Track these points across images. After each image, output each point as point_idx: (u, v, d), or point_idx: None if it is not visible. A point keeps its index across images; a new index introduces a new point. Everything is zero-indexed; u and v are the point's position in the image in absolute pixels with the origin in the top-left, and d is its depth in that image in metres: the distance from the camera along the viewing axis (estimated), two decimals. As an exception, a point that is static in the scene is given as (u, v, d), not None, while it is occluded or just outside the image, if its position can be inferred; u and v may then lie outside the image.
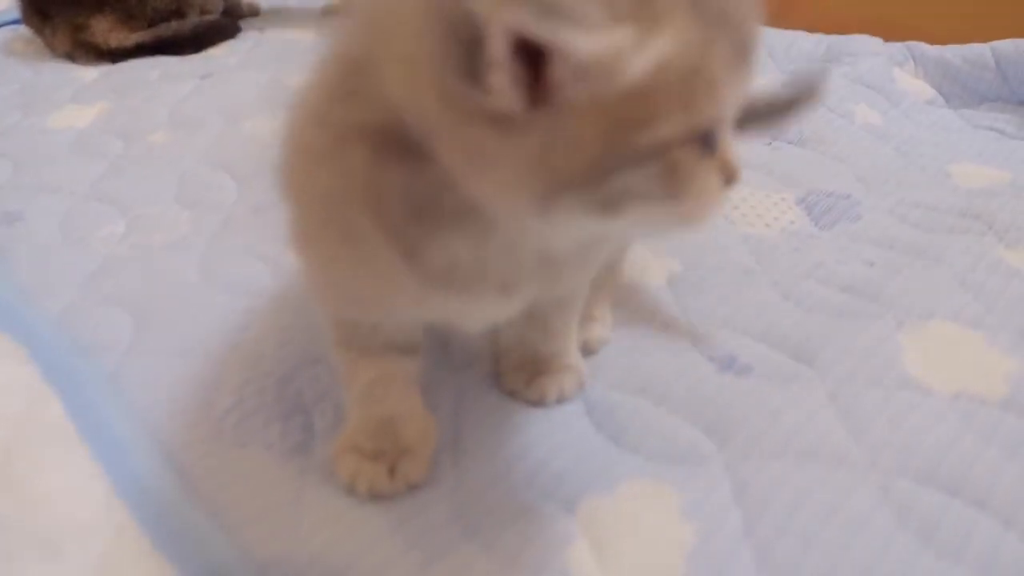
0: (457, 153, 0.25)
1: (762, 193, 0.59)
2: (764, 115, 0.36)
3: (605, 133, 0.23)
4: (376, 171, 0.28)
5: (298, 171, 0.32)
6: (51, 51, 0.84)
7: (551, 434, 0.37)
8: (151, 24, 0.82)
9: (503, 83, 0.23)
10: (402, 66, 0.26)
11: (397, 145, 0.27)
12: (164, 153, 0.63)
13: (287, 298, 0.46)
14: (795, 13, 0.92)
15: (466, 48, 0.23)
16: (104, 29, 0.80)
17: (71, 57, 0.82)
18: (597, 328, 0.43)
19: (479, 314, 0.33)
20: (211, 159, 0.62)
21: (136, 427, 0.37)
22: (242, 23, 0.94)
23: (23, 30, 0.86)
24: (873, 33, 0.89)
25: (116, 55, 0.82)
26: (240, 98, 0.72)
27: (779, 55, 0.89)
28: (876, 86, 0.78)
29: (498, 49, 0.22)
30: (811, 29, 0.92)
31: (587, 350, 0.42)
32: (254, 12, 0.98)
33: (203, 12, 0.87)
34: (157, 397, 0.39)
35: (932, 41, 0.84)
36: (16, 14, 0.87)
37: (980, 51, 0.79)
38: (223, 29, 0.88)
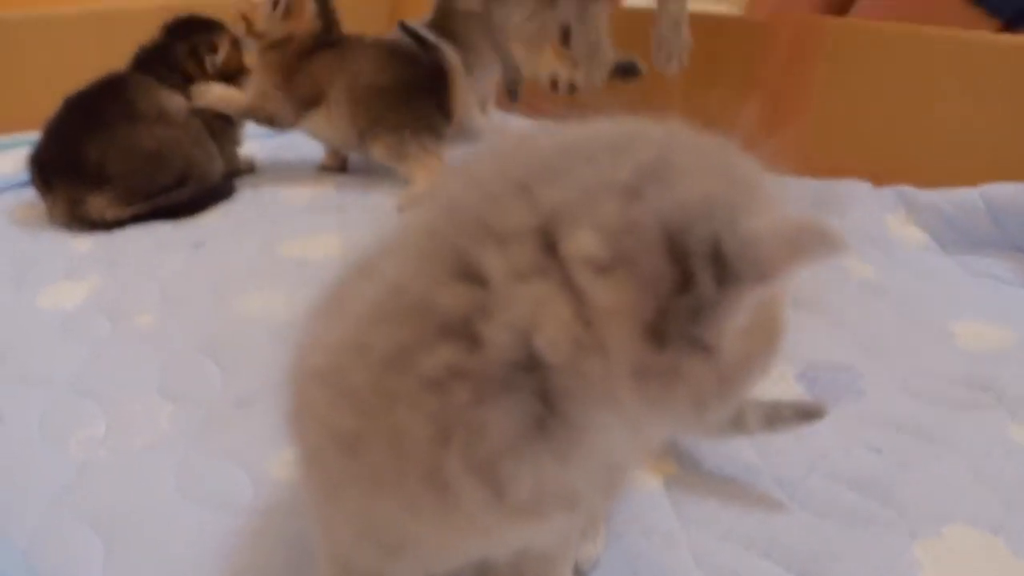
0: (629, 382, 0.24)
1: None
2: (767, 418, 0.37)
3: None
4: (481, 410, 0.25)
5: (345, 396, 0.28)
6: (50, 218, 0.85)
7: None
8: (150, 197, 0.83)
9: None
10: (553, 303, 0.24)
11: (505, 378, 0.25)
12: (151, 336, 0.63)
13: (270, 516, 0.44)
14: (782, 155, 0.93)
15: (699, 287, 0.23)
16: (101, 206, 0.81)
17: (67, 226, 0.83)
18: (588, 547, 0.41)
19: (539, 537, 0.31)
20: (197, 342, 0.61)
21: None
22: (237, 179, 0.95)
23: (30, 193, 0.87)
24: (861, 175, 0.89)
25: (112, 224, 0.82)
26: (231, 270, 0.72)
27: (771, 201, 0.89)
28: (868, 236, 0.78)
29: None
30: (799, 172, 0.93)
31: (575, 571, 0.40)
32: (250, 169, 0.99)
33: (203, 179, 0.88)
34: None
35: (923, 180, 0.85)
36: (26, 176, 0.88)
37: (970, 196, 0.79)
38: (220, 192, 0.89)
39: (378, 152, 0.95)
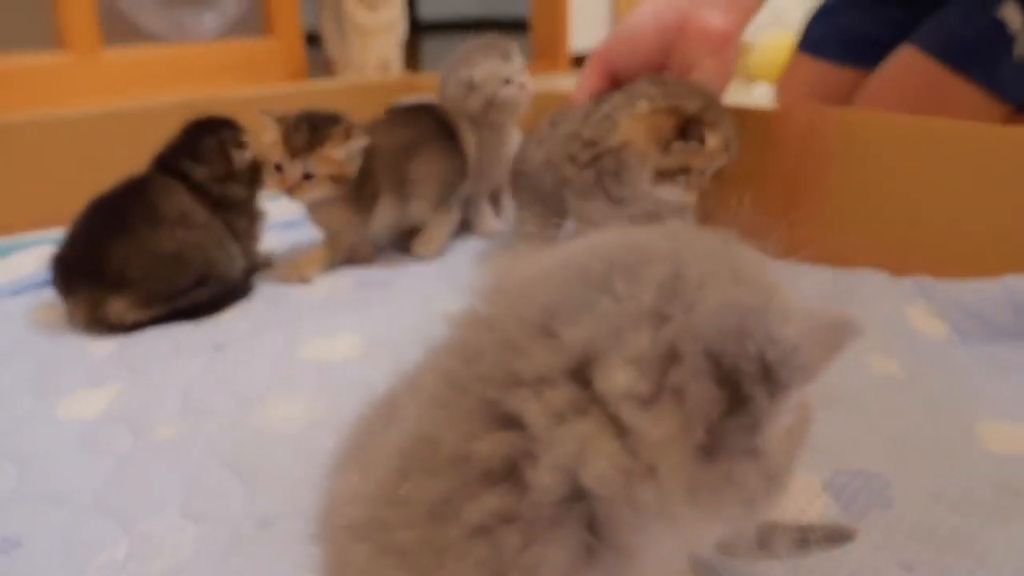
0: (681, 498, 0.25)
1: (786, 479, 0.56)
2: (797, 542, 0.36)
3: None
4: (531, 550, 0.25)
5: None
6: (70, 320, 0.85)
7: None
8: (170, 299, 0.84)
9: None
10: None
11: (553, 515, 0.25)
12: (172, 449, 0.62)
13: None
14: (802, 244, 0.94)
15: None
16: (121, 309, 0.82)
17: (87, 329, 0.83)
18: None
19: None
20: (219, 456, 0.61)
21: None
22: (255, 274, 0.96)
23: (50, 293, 0.88)
24: (879, 265, 0.90)
25: (131, 327, 0.83)
26: (253, 375, 0.72)
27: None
28: (891, 329, 0.77)
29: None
30: (816, 260, 0.93)
31: None
32: (268, 263, 1.00)
33: (223, 279, 0.89)
34: None
35: (942, 269, 0.85)
36: (47, 276, 0.89)
37: (992, 288, 0.79)
38: (238, 291, 0.90)
39: (420, 208, 1.01)
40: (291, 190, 0.90)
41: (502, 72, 1.02)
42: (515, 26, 4.86)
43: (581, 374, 0.25)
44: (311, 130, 0.89)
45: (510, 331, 0.26)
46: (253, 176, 0.94)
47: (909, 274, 0.86)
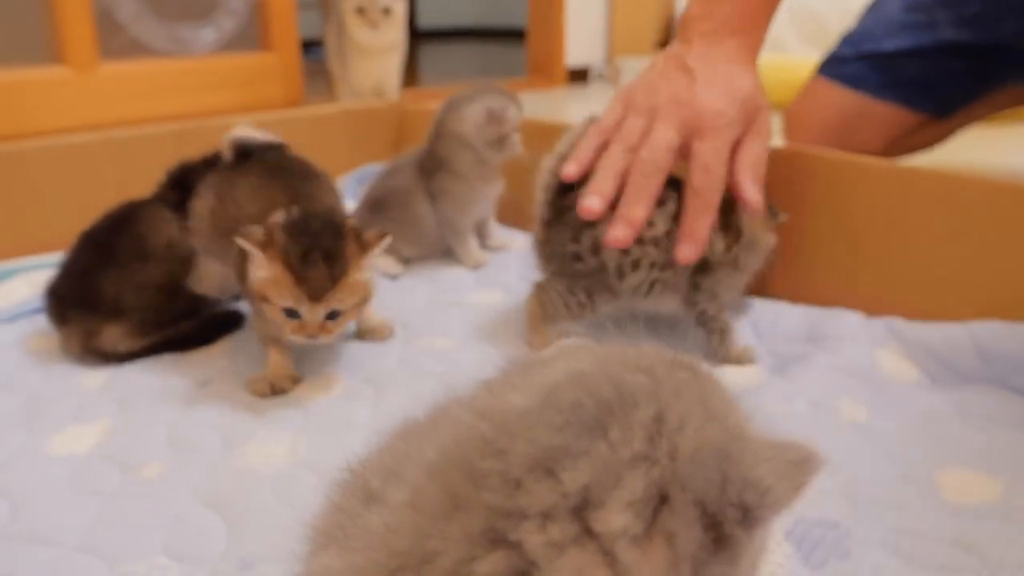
0: None
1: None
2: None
3: None
4: None
5: None
6: (63, 350, 0.87)
7: None
8: (162, 326, 0.86)
9: None
10: None
11: None
12: (157, 487, 0.64)
13: None
14: (779, 282, 0.96)
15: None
16: (115, 337, 0.84)
17: (80, 358, 0.85)
18: None
19: None
20: (202, 496, 0.63)
21: None
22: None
23: (43, 321, 0.90)
24: (855, 304, 0.92)
25: (124, 357, 0.85)
26: (235, 413, 0.74)
27: (764, 328, 0.92)
28: (860, 375, 0.80)
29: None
30: (794, 298, 0.96)
31: None
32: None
33: (214, 306, 0.91)
34: None
35: (915, 311, 0.87)
36: (40, 304, 0.91)
37: (958, 332, 0.81)
38: (229, 321, 0.92)
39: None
40: (313, 336, 0.72)
41: (517, 118, 1.09)
42: (512, 35, 4.90)
43: (580, 512, 0.27)
44: (327, 261, 0.69)
45: (514, 467, 0.29)
46: None
47: (882, 315, 0.88)
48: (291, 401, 0.77)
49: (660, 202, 0.81)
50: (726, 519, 0.28)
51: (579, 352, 0.36)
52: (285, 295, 0.70)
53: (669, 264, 0.82)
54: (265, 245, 0.69)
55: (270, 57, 2.68)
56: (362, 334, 0.89)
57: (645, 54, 3.60)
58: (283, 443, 0.70)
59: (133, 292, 0.87)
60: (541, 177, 0.86)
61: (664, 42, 3.66)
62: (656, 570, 0.27)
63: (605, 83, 3.63)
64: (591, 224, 0.81)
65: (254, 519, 0.61)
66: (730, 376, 0.82)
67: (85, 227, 0.93)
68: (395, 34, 2.24)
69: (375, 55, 2.25)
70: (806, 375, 0.79)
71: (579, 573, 0.27)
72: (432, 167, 1.10)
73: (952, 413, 0.75)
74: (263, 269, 0.70)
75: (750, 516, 0.28)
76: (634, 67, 3.53)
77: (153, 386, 0.80)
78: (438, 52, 5.15)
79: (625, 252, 0.81)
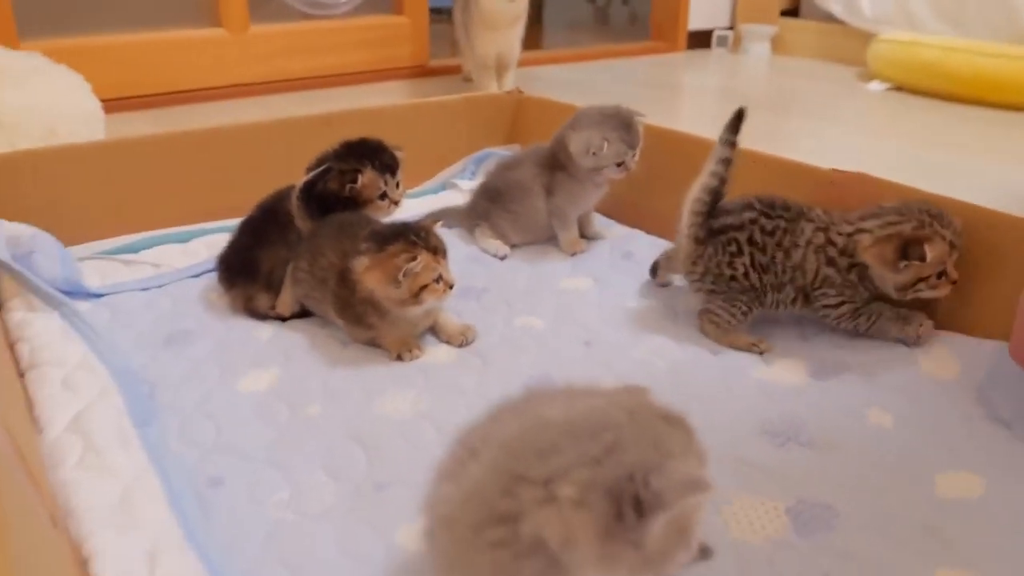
0: (592, 560, 0.47)
1: (756, 500, 0.75)
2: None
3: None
4: (517, 562, 0.48)
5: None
6: (231, 308, 1.11)
7: None
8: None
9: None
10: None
11: (530, 549, 0.48)
12: (317, 423, 0.87)
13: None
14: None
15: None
16: (267, 302, 1.09)
17: (244, 316, 1.09)
18: None
19: None
20: (350, 432, 0.85)
21: None
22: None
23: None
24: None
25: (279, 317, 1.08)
26: (373, 371, 0.96)
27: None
28: (899, 374, 0.94)
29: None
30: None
31: None
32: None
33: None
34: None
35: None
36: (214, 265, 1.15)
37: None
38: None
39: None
40: (451, 286, 0.99)
41: (621, 155, 1.23)
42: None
43: (550, 484, 0.47)
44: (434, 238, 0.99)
45: (531, 453, 0.50)
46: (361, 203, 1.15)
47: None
48: (415, 366, 0.98)
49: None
50: (623, 502, 0.46)
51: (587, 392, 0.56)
52: (432, 267, 0.95)
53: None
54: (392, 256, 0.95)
55: (401, 20, 2.89)
56: (444, 337, 1.06)
57: (771, 23, 3.52)
58: (408, 399, 0.91)
59: (280, 268, 1.10)
60: (692, 193, 1.02)
61: (791, 11, 3.57)
62: (583, 523, 0.46)
63: (726, 49, 3.60)
64: (740, 251, 0.99)
65: (387, 454, 0.82)
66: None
67: (250, 205, 1.16)
68: (525, 2, 2.36)
69: (500, 27, 2.36)
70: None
71: (545, 518, 0.47)
72: (555, 165, 1.28)
73: (972, 411, 0.87)
74: (416, 264, 0.94)
75: (640, 505, 0.46)
76: (758, 33, 3.48)
77: (307, 343, 1.03)
78: (561, 3, 5.20)
79: (773, 275, 0.99)
